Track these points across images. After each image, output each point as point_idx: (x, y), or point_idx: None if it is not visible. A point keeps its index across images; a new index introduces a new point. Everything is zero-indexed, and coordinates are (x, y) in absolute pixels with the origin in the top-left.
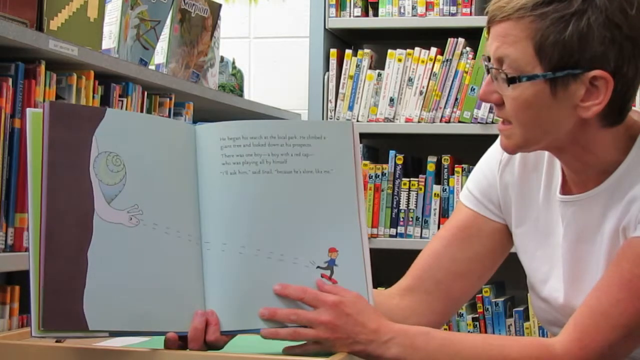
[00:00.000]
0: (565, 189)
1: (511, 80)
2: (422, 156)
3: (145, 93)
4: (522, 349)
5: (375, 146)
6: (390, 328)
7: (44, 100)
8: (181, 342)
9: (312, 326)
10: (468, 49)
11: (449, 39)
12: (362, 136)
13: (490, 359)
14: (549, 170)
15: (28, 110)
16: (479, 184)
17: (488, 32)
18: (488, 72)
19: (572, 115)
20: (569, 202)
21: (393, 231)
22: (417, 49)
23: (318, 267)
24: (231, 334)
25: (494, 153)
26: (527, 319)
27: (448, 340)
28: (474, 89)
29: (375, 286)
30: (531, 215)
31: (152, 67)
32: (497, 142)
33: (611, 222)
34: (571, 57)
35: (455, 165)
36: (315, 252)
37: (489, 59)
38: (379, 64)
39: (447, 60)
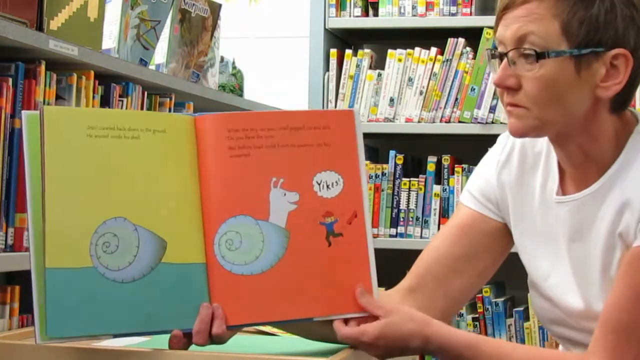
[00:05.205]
0: (562, 189)
1: (540, 56)
2: (422, 156)
3: (145, 93)
4: None
5: (375, 146)
6: (435, 339)
7: (44, 100)
8: (186, 339)
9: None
10: (468, 49)
11: (449, 39)
12: (362, 136)
13: None
14: (546, 170)
15: (24, 112)
16: (478, 184)
17: (497, 21)
18: (500, 58)
19: (590, 96)
20: (564, 202)
21: (393, 231)
22: (417, 49)
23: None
24: (236, 328)
25: (493, 154)
26: (527, 319)
27: (495, 357)
28: (474, 89)
29: None
30: (529, 214)
31: (152, 67)
32: (497, 143)
33: (605, 222)
34: (596, 34)
35: (455, 165)
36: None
37: (494, 48)
38: (379, 64)
39: (447, 60)
